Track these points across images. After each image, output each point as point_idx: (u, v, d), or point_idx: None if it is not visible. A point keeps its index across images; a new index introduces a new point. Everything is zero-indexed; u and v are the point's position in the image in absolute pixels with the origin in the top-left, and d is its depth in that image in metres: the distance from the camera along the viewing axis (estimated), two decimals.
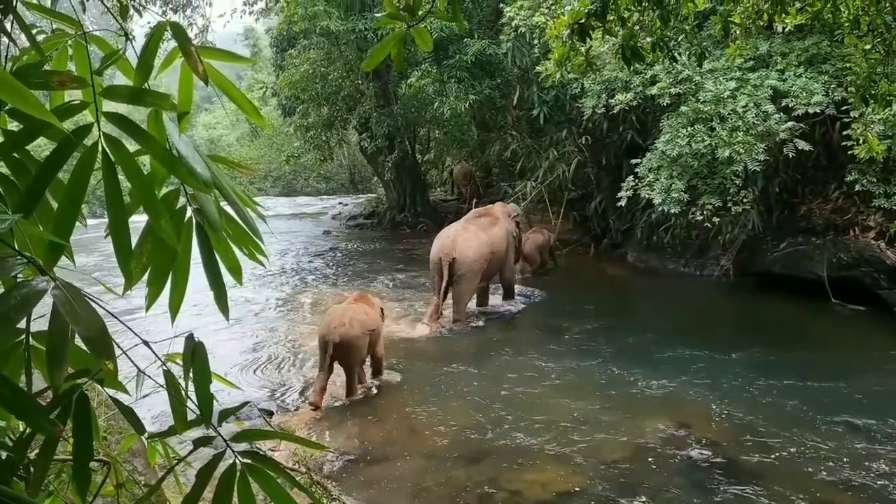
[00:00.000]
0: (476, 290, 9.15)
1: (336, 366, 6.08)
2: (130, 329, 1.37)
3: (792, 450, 5.09)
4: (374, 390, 6.46)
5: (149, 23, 9.89)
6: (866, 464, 4.87)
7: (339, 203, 23.72)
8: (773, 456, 5.01)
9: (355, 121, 16.94)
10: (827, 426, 5.48)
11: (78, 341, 1.04)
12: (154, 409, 4.66)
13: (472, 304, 9.20)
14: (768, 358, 7.13)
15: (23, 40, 1.44)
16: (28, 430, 1.16)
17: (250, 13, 16.94)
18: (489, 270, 9.07)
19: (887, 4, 4.47)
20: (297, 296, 10.51)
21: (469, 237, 8.79)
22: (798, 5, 4.71)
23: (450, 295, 8.72)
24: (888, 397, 6.05)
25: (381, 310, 6.67)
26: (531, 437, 5.37)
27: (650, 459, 5.01)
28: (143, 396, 1.39)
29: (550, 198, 13.45)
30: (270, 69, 21.44)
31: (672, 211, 9.15)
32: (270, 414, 5.81)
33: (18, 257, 1.04)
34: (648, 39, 4.27)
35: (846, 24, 5.12)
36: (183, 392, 1.26)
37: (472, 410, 5.90)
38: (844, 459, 4.93)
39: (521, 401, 6.11)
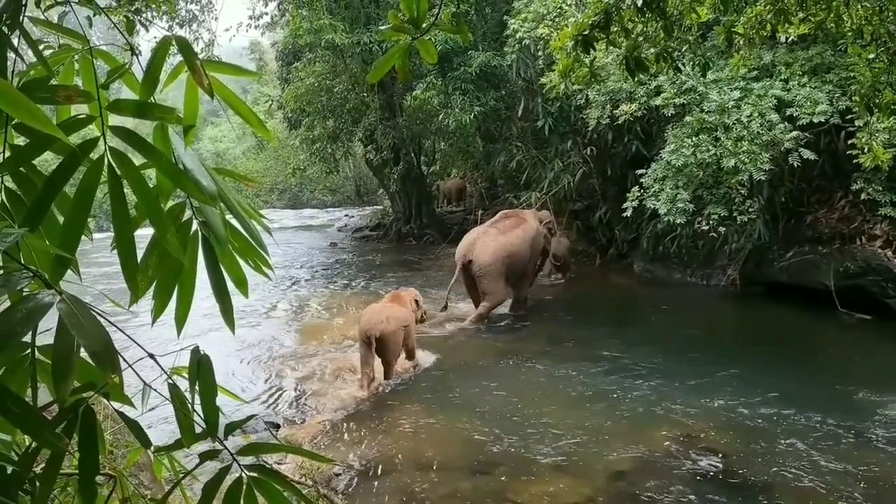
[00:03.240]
0: (505, 291, 9.29)
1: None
2: (136, 342, 1.37)
3: (798, 460, 5.04)
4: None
5: (155, 37, 9.98)
6: (873, 475, 4.81)
7: (345, 215, 23.79)
8: (779, 467, 4.96)
9: (361, 133, 17.01)
10: (834, 437, 5.43)
11: (84, 354, 1.04)
12: (160, 423, 4.65)
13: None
14: (775, 367, 7.09)
15: (30, 55, 1.45)
16: (34, 444, 1.16)
17: (256, 27, 17.10)
18: (508, 273, 9.16)
19: (890, 14, 4.48)
20: (303, 308, 10.51)
21: (488, 240, 9.04)
22: (801, 15, 4.72)
23: (451, 288, 9.02)
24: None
25: (416, 301, 7.21)
26: (537, 447, 5.34)
27: (657, 470, 4.97)
28: (150, 410, 1.38)
29: (556, 208, 13.44)
30: (276, 82, 21.54)
31: (678, 221, 9.13)
32: (277, 427, 5.80)
33: (24, 271, 1.04)
34: (652, 50, 4.29)
35: (850, 34, 5.14)
36: (189, 405, 1.26)
37: (478, 421, 5.87)
38: (852, 470, 4.87)
39: (526, 411, 6.08)
